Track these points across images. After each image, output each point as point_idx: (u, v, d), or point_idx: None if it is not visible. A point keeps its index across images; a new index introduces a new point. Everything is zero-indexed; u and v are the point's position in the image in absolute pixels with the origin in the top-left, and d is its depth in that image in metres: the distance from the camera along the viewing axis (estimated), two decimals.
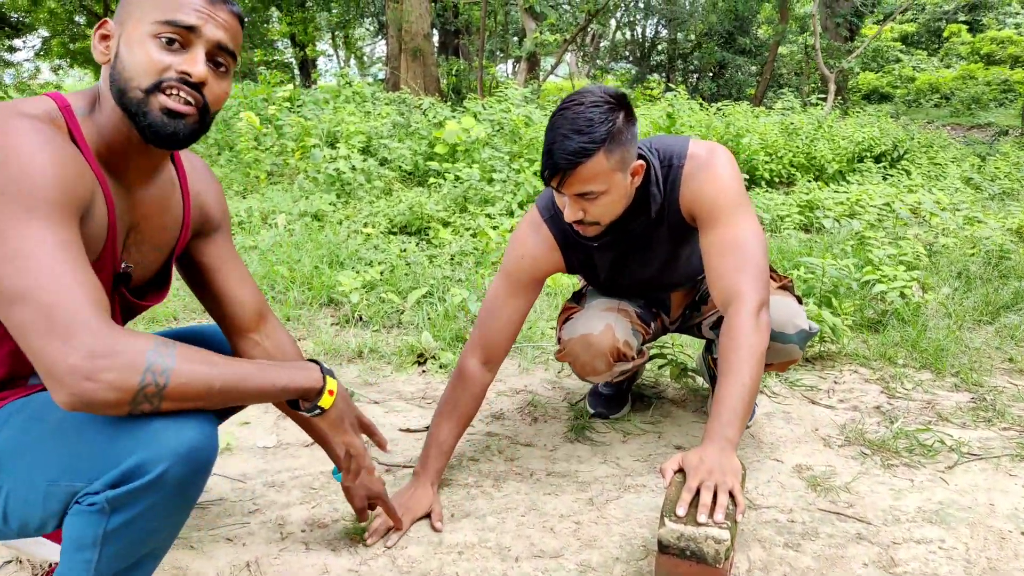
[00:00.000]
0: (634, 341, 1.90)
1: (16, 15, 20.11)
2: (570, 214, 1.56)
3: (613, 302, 1.95)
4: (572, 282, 3.33)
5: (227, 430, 2.06)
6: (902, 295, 2.83)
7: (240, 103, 7.55)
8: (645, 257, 1.82)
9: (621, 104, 1.52)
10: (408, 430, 2.12)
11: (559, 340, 1.97)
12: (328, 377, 1.22)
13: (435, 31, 16.11)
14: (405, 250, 3.81)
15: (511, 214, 4.45)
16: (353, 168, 5.12)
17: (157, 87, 1.04)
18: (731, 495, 1.34)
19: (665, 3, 19.28)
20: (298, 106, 7.56)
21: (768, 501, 1.74)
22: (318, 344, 2.73)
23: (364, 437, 1.47)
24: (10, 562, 1.50)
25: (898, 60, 20.71)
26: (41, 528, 1.07)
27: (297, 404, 1.25)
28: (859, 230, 4.01)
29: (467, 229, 4.22)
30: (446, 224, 4.33)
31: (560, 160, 1.48)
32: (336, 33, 23.98)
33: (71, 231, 0.96)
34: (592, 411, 2.21)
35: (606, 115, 1.49)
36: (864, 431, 2.06)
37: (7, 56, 23.92)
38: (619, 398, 2.22)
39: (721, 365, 1.50)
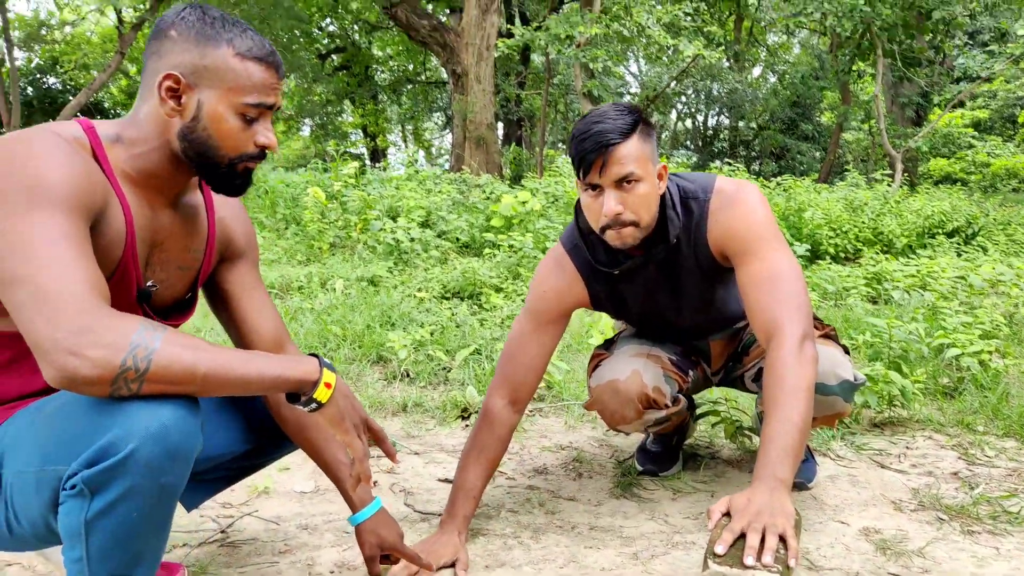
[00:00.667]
0: (667, 388, 1.81)
1: (113, 109, 21.71)
2: (610, 207, 1.52)
3: (644, 347, 1.87)
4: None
5: (266, 474, 2.02)
6: (980, 362, 2.64)
7: (308, 181, 7.86)
8: (675, 294, 1.77)
9: (640, 110, 1.57)
10: (447, 480, 2.04)
11: (589, 389, 1.89)
12: (326, 370, 1.16)
13: (499, 122, 16.67)
14: (456, 312, 3.80)
15: None
16: (412, 239, 5.21)
17: (242, 159, 1.17)
18: (782, 539, 1.22)
19: (727, 93, 19.54)
20: (364, 184, 7.83)
21: (831, 563, 1.58)
22: (363, 397, 2.70)
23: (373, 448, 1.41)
24: (12, 565, 1.47)
25: (971, 146, 20.34)
26: (45, 526, 1.06)
27: (297, 400, 1.17)
28: (931, 301, 3.81)
29: (519, 295, 4.20)
30: (498, 290, 4.32)
31: (597, 142, 1.49)
32: (405, 125, 25.05)
33: (75, 226, 1.00)
34: (640, 468, 2.09)
35: (630, 110, 1.55)
36: (940, 496, 1.88)
37: None
38: (670, 455, 2.10)
39: (767, 403, 1.41)
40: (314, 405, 1.14)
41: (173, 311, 1.31)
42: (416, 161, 10.96)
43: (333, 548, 1.66)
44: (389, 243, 5.07)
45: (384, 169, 8.92)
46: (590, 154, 1.50)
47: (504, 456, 1.86)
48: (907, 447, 2.24)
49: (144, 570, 1.07)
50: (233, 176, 1.18)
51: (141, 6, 15.59)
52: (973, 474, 2.04)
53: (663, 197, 1.63)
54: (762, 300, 1.55)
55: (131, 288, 1.17)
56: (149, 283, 1.21)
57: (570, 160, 1.58)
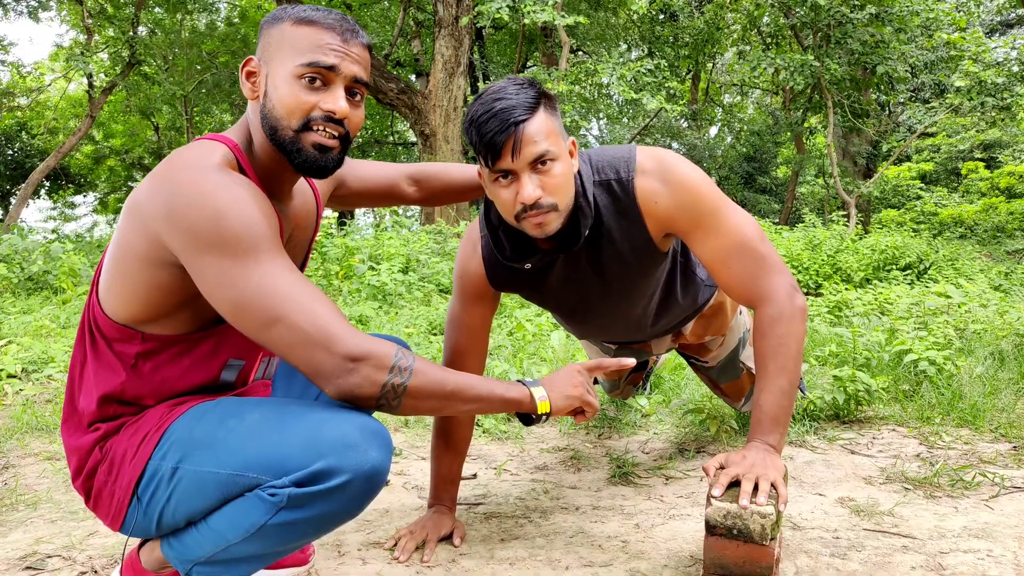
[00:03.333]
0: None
1: (79, 174, 21.72)
2: (528, 192, 1.37)
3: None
4: None
5: None
6: (933, 364, 2.89)
7: None
8: (601, 287, 1.66)
9: (539, 84, 1.46)
10: None
11: None
12: (531, 388, 1.31)
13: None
14: None
15: (542, 317, 4.62)
16: (397, 281, 5.40)
17: (306, 126, 1.16)
18: (773, 488, 1.39)
19: (687, 150, 20.29)
20: (343, 234, 8.00)
21: (812, 524, 1.77)
22: None
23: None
24: (85, 573, 1.58)
25: (919, 197, 21.24)
26: (185, 522, 1.17)
27: (529, 420, 1.36)
28: (889, 323, 4.09)
29: (503, 328, 4.38)
30: None
31: (504, 121, 1.34)
32: None
33: (288, 260, 1.13)
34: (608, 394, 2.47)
35: (529, 84, 1.42)
36: (905, 472, 2.08)
37: (68, 212, 25.55)
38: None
39: (758, 364, 1.51)
40: (545, 417, 1.33)
41: None
42: (383, 218, 11.18)
43: (358, 532, 1.79)
44: (374, 285, 5.24)
45: (347, 234, 9.10)
46: (498, 135, 1.35)
47: (505, 455, 2.01)
48: (873, 437, 2.45)
49: (259, 565, 1.19)
50: (304, 152, 1.17)
51: (113, 71, 15.83)
52: (933, 455, 2.25)
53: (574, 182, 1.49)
54: (737, 274, 1.51)
55: None
56: None
57: (472, 146, 1.40)
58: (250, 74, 1.20)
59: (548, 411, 1.32)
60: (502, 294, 1.79)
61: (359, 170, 1.61)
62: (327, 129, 1.17)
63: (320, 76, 1.15)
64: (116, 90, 15.93)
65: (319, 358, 1.08)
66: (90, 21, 14.05)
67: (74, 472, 1.24)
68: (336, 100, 1.16)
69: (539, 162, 1.38)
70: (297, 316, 1.08)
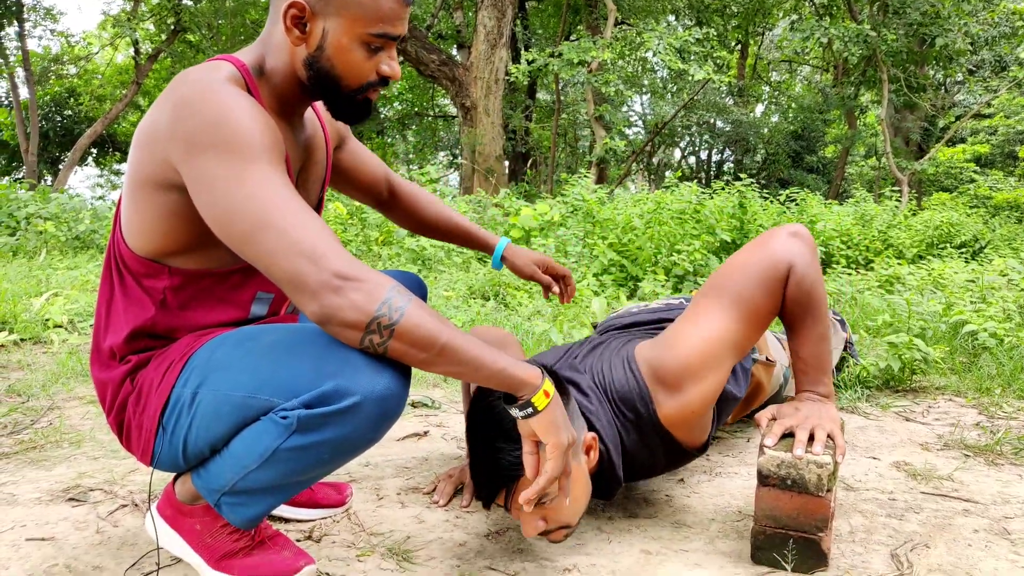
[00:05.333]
0: None
1: (125, 141, 22.11)
2: (529, 530, 1.28)
3: None
4: None
5: None
6: (994, 336, 2.76)
7: (327, 198, 8.04)
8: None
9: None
10: None
11: None
12: (547, 379, 1.15)
13: (505, 159, 17.00)
14: (484, 307, 3.93)
15: (583, 282, 4.56)
16: (435, 245, 5.37)
17: (365, 88, 1.17)
18: (830, 438, 1.33)
19: (732, 124, 19.88)
20: None
21: (867, 486, 1.69)
22: None
23: None
24: (126, 506, 1.58)
25: (972, 180, 20.59)
26: (209, 450, 1.14)
27: (514, 403, 1.15)
28: (944, 298, 3.94)
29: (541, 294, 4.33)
30: (520, 289, 4.46)
31: (498, 478, 1.28)
32: (411, 163, 25.40)
33: (286, 175, 1.07)
34: None
35: None
36: (964, 440, 1.99)
37: (114, 180, 26.08)
38: None
39: (787, 319, 1.44)
40: (530, 410, 1.13)
41: None
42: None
43: (396, 478, 1.77)
44: (413, 250, 5.22)
45: None
46: (490, 491, 1.30)
47: None
48: (929, 406, 2.35)
49: (284, 496, 1.15)
50: (354, 105, 1.19)
51: (158, 38, 16.02)
52: (993, 425, 2.15)
53: (601, 459, 1.42)
54: (773, 307, 1.43)
55: None
56: None
57: None
58: (296, 18, 1.14)
59: (540, 408, 1.13)
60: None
61: (358, 148, 1.55)
62: (378, 89, 1.20)
63: (384, 44, 1.15)
64: (161, 57, 16.13)
65: (304, 269, 0.98)
66: None
67: (107, 407, 1.23)
68: (394, 65, 1.17)
69: (538, 502, 1.26)
70: (286, 223, 1.00)
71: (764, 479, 1.30)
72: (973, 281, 4.47)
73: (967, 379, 2.58)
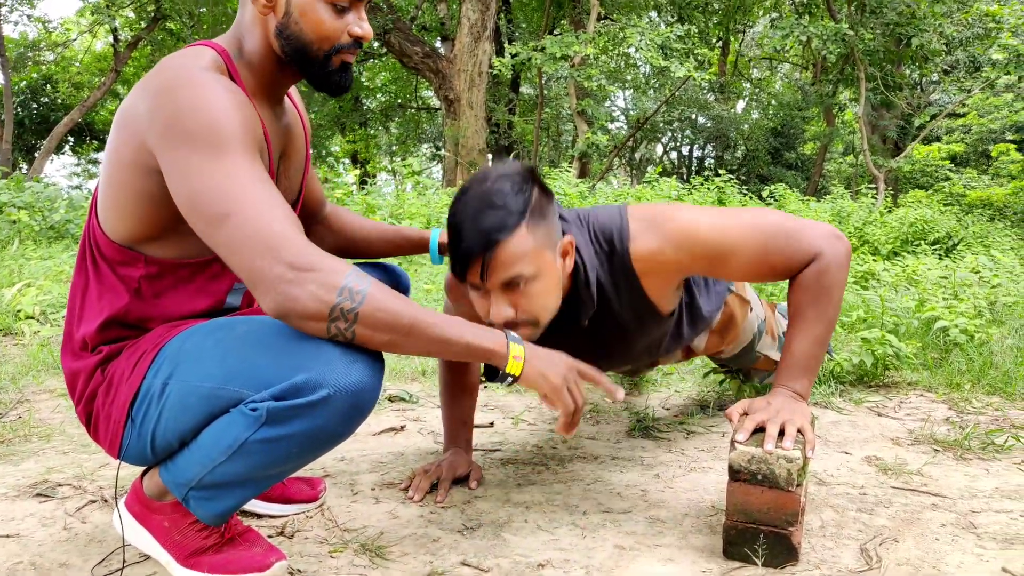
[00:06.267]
0: None
1: (103, 129, 21.79)
2: (499, 313, 1.30)
3: None
4: None
5: None
6: (965, 332, 2.80)
7: None
8: (599, 349, 1.61)
9: (533, 176, 1.35)
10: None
11: None
12: (512, 343, 1.13)
13: (488, 152, 16.99)
14: None
15: None
16: None
17: (336, 51, 1.17)
18: (800, 433, 1.34)
19: (712, 119, 19.96)
20: (363, 193, 7.96)
21: (838, 481, 1.71)
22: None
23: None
24: (94, 501, 1.56)
25: (947, 178, 20.84)
26: (178, 442, 1.12)
27: (496, 376, 1.15)
28: (918, 295, 3.99)
29: None
30: None
31: (476, 242, 1.26)
32: (394, 155, 25.27)
33: (258, 166, 1.06)
34: None
35: (519, 186, 1.30)
36: (934, 434, 2.02)
37: (91, 169, 25.71)
38: None
39: (794, 313, 1.43)
40: (510, 379, 1.13)
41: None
42: (405, 189, 11.13)
43: (372, 473, 1.76)
44: None
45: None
46: (467, 256, 1.27)
47: (523, 406, 1.97)
48: (901, 402, 2.39)
49: (254, 491, 1.13)
50: (331, 72, 1.19)
51: (138, 25, 15.79)
52: (963, 420, 2.18)
53: (576, 271, 1.44)
54: (775, 266, 1.44)
55: None
56: None
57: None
58: None
59: (516, 375, 1.13)
60: None
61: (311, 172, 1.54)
62: (352, 52, 1.20)
63: (349, 3, 1.17)
64: (141, 45, 15.90)
65: (261, 263, 0.98)
66: None
67: (76, 397, 1.21)
68: (364, 25, 1.18)
69: (512, 283, 1.29)
70: (248, 214, 1.00)
71: (735, 474, 1.30)
72: (946, 278, 4.53)
73: (938, 374, 2.62)
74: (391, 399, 2.42)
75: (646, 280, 1.46)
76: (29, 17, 19.51)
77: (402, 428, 2.12)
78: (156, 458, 1.17)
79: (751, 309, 1.93)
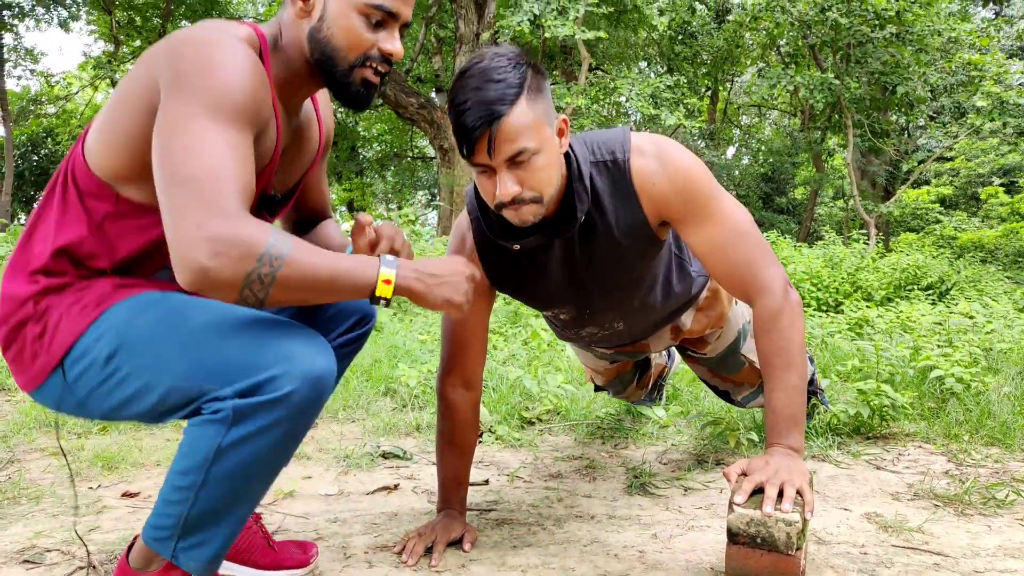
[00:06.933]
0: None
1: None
2: (505, 190, 1.33)
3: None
4: None
5: (290, 479, 2.10)
6: (961, 381, 2.80)
7: None
8: (594, 272, 1.59)
9: (526, 57, 1.37)
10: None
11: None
12: (383, 268, 1.10)
13: None
14: None
15: None
16: None
17: (362, 62, 1.20)
18: (799, 494, 1.33)
19: None
20: None
21: (838, 539, 1.69)
22: (376, 421, 2.78)
23: None
24: (83, 568, 1.53)
25: (938, 221, 21.04)
26: (105, 415, 1.14)
27: (378, 302, 1.13)
28: (912, 341, 3.99)
29: (518, 338, 4.32)
30: (496, 333, 4.45)
31: (480, 117, 1.28)
32: (390, 202, 25.47)
33: (245, 140, 1.07)
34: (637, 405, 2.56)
35: (514, 64, 1.33)
36: (934, 488, 2.00)
37: None
38: (656, 395, 2.56)
39: (764, 364, 1.46)
40: (383, 302, 1.11)
41: (280, 205, 1.38)
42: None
43: (365, 535, 1.73)
44: None
45: None
46: (473, 131, 1.29)
47: (518, 462, 1.95)
48: (899, 454, 2.37)
49: (241, 513, 1.13)
50: (351, 83, 1.19)
51: None
52: (962, 473, 2.16)
53: (568, 163, 1.46)
54: (732, 263, 1.47)
55: (257, 195, 1.24)
56: (274, 192, 1.30)
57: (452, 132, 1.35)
58: None
59: (387, 297, 1.10)
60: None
61: (321, 173, 1.53)
62: (379, 68, 1.21)
63: (383, 19, 1.19)
64: None
65: (184, 228, 0.98)
66: (118, 32, 14.25)
67: (1, 318, 1.19)
68: (395, 43, 1.20)
69: (517, 158, 1.32)
70: (203, 183, 0.99)
71: (733, 537, 1.29)
72: (940, 323, 4.54)
73: (936, 425, 2.60)
74: (385, 455, 2.39)
75: (643, 198, 1.49)
76: (32, 72, 19.82)
77: (396, 487, 2.10)
78: (84, 416, 1.18)
79: (736, 302, 1.98)
